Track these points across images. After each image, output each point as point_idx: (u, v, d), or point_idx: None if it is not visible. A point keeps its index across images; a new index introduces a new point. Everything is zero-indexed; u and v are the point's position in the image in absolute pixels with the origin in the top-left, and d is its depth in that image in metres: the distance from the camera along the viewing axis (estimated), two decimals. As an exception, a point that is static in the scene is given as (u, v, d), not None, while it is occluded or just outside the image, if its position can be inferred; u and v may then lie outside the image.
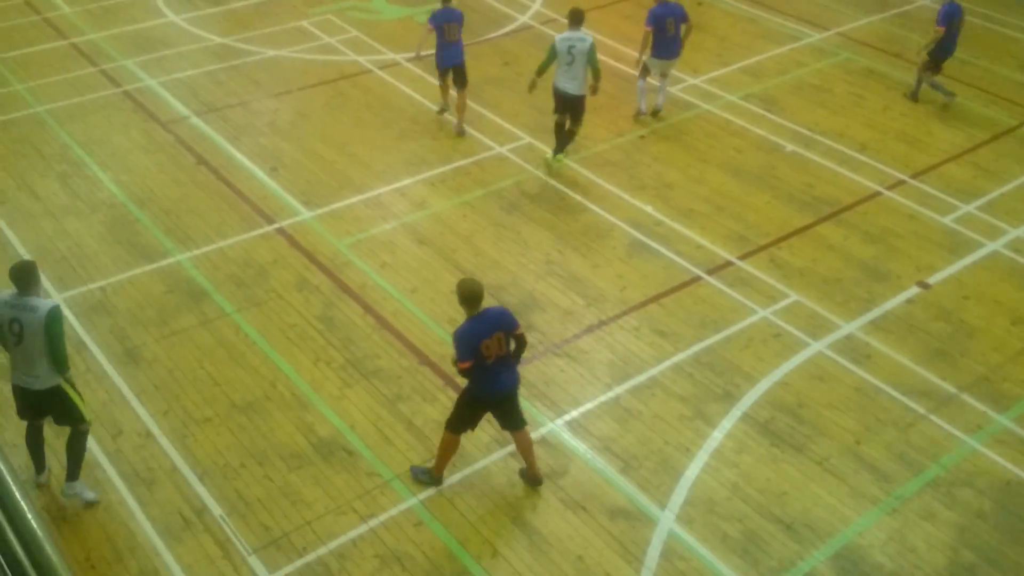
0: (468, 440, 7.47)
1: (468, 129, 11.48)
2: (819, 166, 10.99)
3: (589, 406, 7.85)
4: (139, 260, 9.35)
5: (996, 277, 9.33)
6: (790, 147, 11.34)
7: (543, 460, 7.33)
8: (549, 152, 10.90)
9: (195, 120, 11.66)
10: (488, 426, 7.61)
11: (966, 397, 7.96)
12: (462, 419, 6.96)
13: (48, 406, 6.63)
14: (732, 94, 12.42)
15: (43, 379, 6.46)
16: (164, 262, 9.35)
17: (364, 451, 7.42)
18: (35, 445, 6.89)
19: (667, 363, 8.28)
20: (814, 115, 11.96)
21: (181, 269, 9.27)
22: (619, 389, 8.01)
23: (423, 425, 7.64)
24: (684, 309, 8.88)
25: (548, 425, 7.67)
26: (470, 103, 11.67)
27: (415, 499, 7.02)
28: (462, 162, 10.96)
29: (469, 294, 6.64)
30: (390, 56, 13.19)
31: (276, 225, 9.89)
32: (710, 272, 9.33)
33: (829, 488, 7.16)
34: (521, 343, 6.81)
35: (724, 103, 12.23)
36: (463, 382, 6.88)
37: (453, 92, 11.44)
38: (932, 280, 9.28)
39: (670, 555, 6.65)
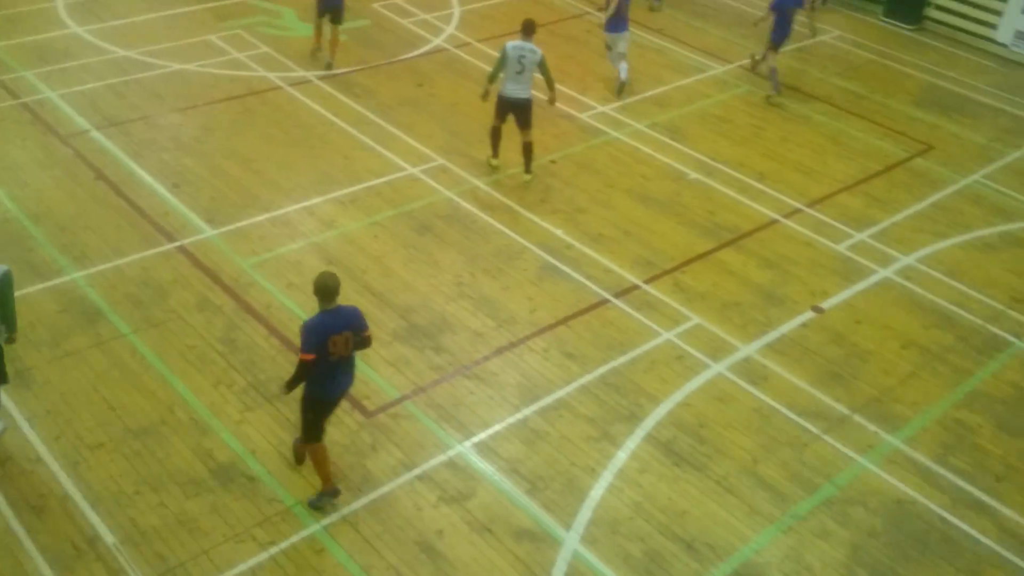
0: (373, 463, 7.42)
1: (375, 147, 11.45)
2: (721, 194, 11.31)
3: (497, 428, 7.88)
4: (32, 278, 9.00)
5: (887, 303, 9.73)
6: (693, 175, 11.64)
7: (450, 483, 7.32)
8: (486, 159, 11.37)
9: (95, 134, 11.33)
10: (396, 449, 7.58)
11: (858, 418, 8.27)
12: (315, 426, 6.90)
13: None
14: (639, 122, 12.70)
15: None
16: (58, 280, 9.04)
17: (265, 477, 7.28)
18: None
19: (575, 384, 8.37)
20: (716, 145, 12.32)
21: (76, 288, 8.97)
22: (527, 411, 8.06)
23: (327, 449, 7.53)
24: (592, 331, 9.01)
25: (456, 447, 7.66)
26: (382, 123, 11.67)
27: (318, 525, 6.92)
28: (373, 182, 10.91)
29: (323, 287, 6.63)
30: (300, 73, 13.08)
31: (177, 243, 9.67)
32: (617, 295, 9.49)
33: (728, 507, 7.34)
34: (365, 345, 6.89)
35: (632, 131, 12.49)
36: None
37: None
38: (826, 305, 9.63)
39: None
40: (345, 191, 10.71)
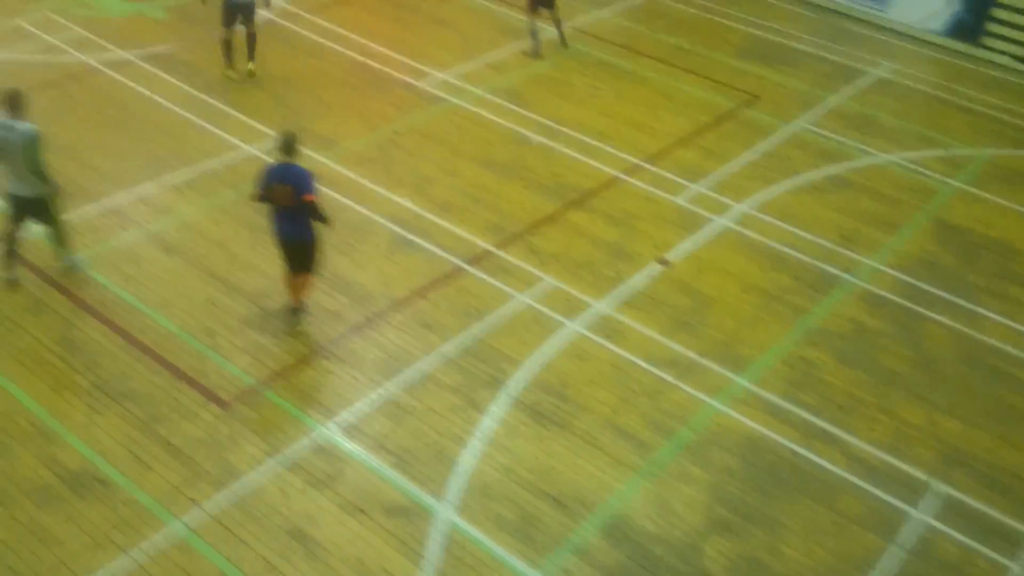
0: (234, 455, 7.22)
1: (207, 126, 11.00)
2: (563, 155, 11.48)
3: (360, 406, 7.80)
4: None
5: (726, 250, 10.16)
6: (536, 138, 11.76)
7: (317, 466, 7.21)
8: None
9: None
10: (256, 438, 7.39)
11: (707, 362, 8.63)
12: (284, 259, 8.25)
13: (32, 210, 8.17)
14: (479, 88, 12.70)
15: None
16: None
17: (119, 479, 6.96)
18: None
19: (435, 355, 8.37)
20: (556, 107, 12.47)
21: None
22: (390, 386, 8.01)
23: (183, 444, 7.27)
24: (448, 301, 9.01)
25: (319, 430, 7.54)
26: (212, 101, 11.23)
27: (179, 523, 6.69)
28: (210, 164, 10.50)
29: (281, 141, 7.94)
30: (121, 54, 12.39)
31: (1, 244, 9.03)
32: (471, 262, 9.52)
33: (594, 460, 7.54)
34: (311, 210, 7.83)
35: (472, 97, 12.49)
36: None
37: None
38: (671, 256, 9.96)
39: (450, 545, 6.75)
40: (179, 174, 10.26)
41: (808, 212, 10.89)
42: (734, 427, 8.00)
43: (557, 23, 13.80)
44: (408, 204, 10.28)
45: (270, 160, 8.65)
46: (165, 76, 11.98)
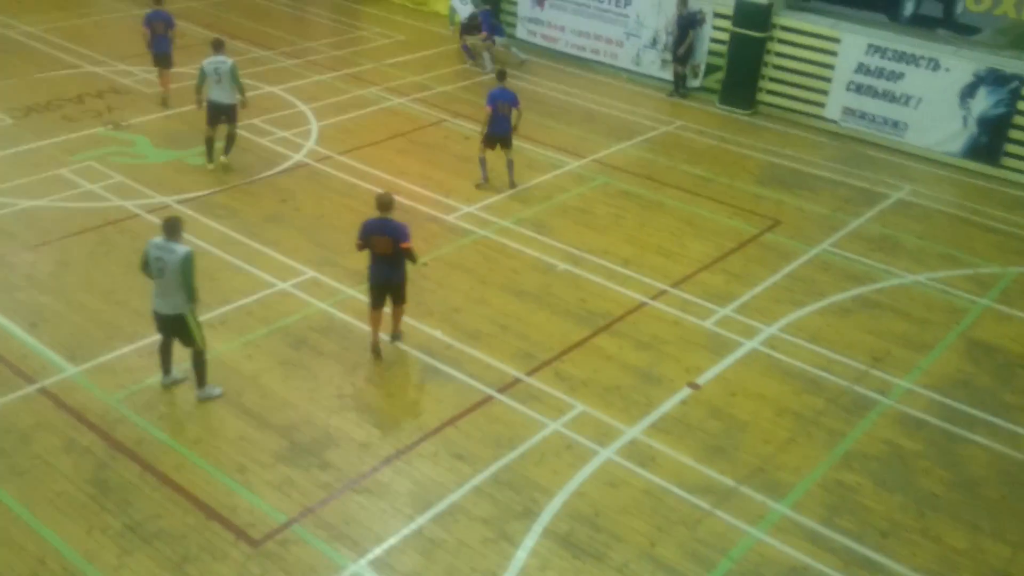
0: None
1: (243, 265, 11.30)
2: (589, 282, 11.63)
3: (392, 541, 7.69)
4: None
5: (757, 373, 10.12)
6: (562, 266, 11.95)
7: (347, 604, 7.07)
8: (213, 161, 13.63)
9: (-59, 279, 10.79)
10: None
11: (745, 489, 8.47)
12: (372, 297, 9.85)
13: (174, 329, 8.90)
14: (505, 220, 13.00)
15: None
16: (-93, 437, 8.44)
17: (151, 621, 6.86)
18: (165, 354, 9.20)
19: (467, 486, 8.29)
20: (580, 235, 12.71)
21: (-72, 443, 8.38)
22: (421, 519, 7.92)
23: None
24: (479, 430, 8.99)
25: (351, 567, 7.42)
26: (248, 241, 11.57)
27: (211, 667, 6.53)
28: (243, 301, 10.73)
29: (378, 201, 9.60)
30: (159, 199, 12.86)
31: (38, 385, 9.20)
32: (501, 390, 9.53)
33: (632, 593, 7.33)
34: (408, 255, 9.60)
35: (498, 228, 12.77)
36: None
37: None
38: (701, 380, 9.93)
39: None
40: (214, 313, 10.46)
41: (837, 334, 10.87)
42: (776, 557, 7.78)
43: (509, 164, 13.90)
44: (438, 334, 10.39)
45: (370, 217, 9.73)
46: (202, 219, 12.40)
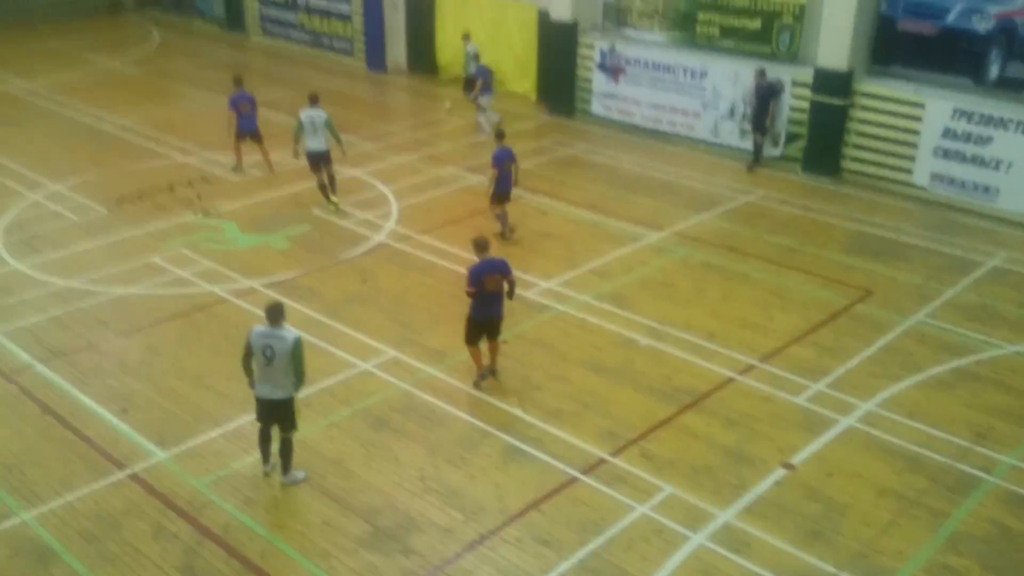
0: None
1: (325, 346, 11.39)
2: (673, 357, 11.39)
3: (477, 632, 7.48)
4: (-24, 525, 8.59)
5: (854, 451, 9.69)
6: (645, 341, 11.75)
7: None
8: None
9: (40, 368, 11.12)
10: None
11: None
12: (471, 334, 10.58)
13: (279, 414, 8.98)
14: (584, 295, 12.90)
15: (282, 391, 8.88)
16: (7, 524, 8.61)
17: None
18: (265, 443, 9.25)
19: (553, 574, 8.04)
20: (662, 309, 12.52)
21: (26, 529, 8.54)
22: (507, 609, 7.70)
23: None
24: (564, 514, 8.76)
25: (435, 659, 7.22)
26: (330, 322, 11.71)
27: None
28: (326, 383, 10.79)
29: (479, 244, 10.48)
30: (245, 283, 13.14)
31: (128, 471, 9.33)
32: (585, 472, 9.31)
33: None
34: (512, 287, 10.58)
35: (577, 304, 12.67)
36: None
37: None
38: (795, 460, 9.54)
39: None
40: (299, 395, 10.52)
41: (937, 409, 10.37)
42: (883, 649, 7.31)
43: (503, 216, 14.58)
44: (519, 413, 10.26)
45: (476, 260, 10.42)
46: (287, 300, 12.56)
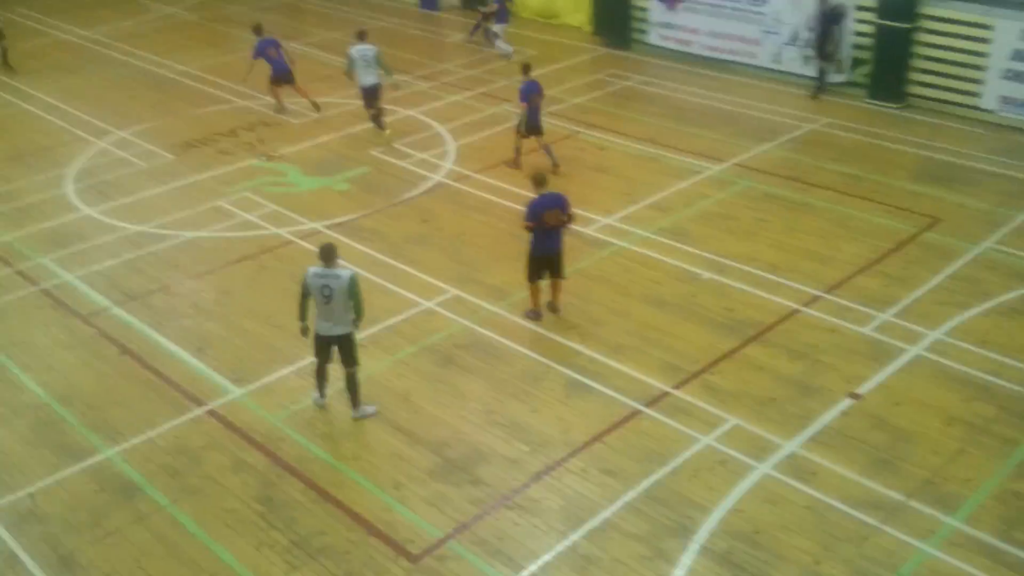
0: None
1: (389, 286, 11.58)
2: (736, 290, 11.34)
3: (547, 558, 7.69)
4: (67, 461, 9.02)
5: (922, 380, 9.61)
6: (706, 275, 11.70)
7: (506, 622, 7.10)
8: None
9: (116, 310, 11.52)
10: None
11: (914, 503, 8.04)
12: (532, 271, 10.65)
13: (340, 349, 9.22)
14: (644, 230, 12.85)
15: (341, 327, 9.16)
16: (93, 460, 9.04)
17: (319, 636, 7.08)
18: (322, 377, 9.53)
19: (619, 503, 8.21)
20: (724, 242, 12.42)
21: (111, 465, 8.96)
22: (575, 536, 7.88)
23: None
24: (628, 445, 8.89)
25: (507, 584, 7.46)
26: (393, 262, 11.91)
27: None
28: (391, 321, 10.99)
29: (537, 178, 10.56)
30: (310, 225, 13.36)
31: (206, 407, 9.69)
32: (648, 404, 9.40)
33: (797, 614, 7.07)
34: (571, 220, 10.68)
35: (637, 239, 12.64)
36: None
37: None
38: (862, 390, 9.50)
39: None
40: (365, 333, 10.72)
41: (1007, 336, 10.21)
42: (950, 573, 7.34)
43: (547, 148, 14.61)
44: (580, 347, 10.36)
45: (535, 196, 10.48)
46: (349, 242, 12.80)
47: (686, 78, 18.76)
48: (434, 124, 16.91)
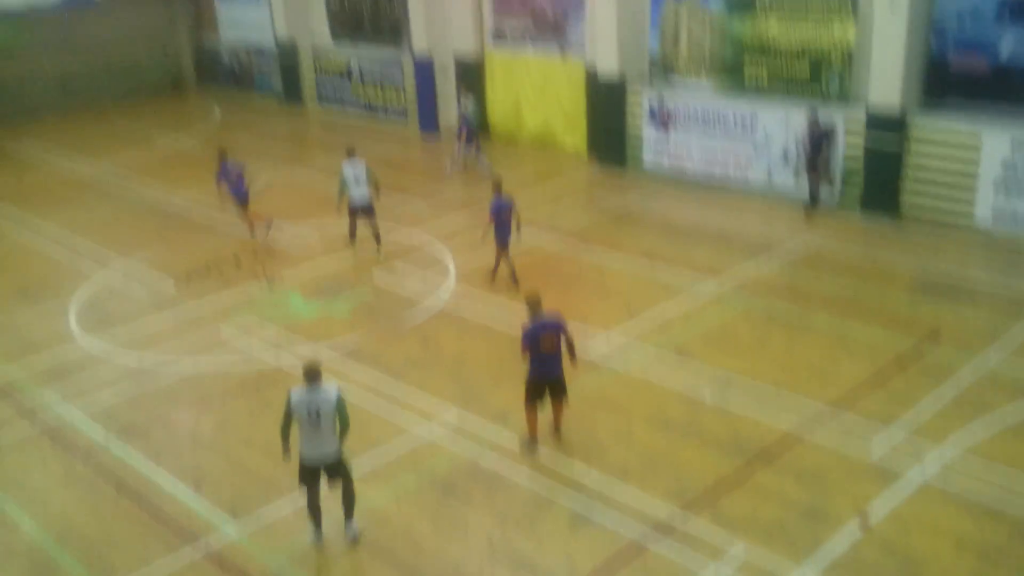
0: None
1: (393, 411, 11.50)
2: (739, 409, 11.25)
3: None
4: (58, 605, 8.79)
5: (931, 503, 9.42)
6: (710, 396, 11.63)
7: None
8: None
9: (114, 444, 11.41)
10: None
11: (931, 634, 7.79)
12: (530, 396, 10.49)
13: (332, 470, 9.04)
14: (644, 348, 12.85)
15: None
16: (85, 603, 8.81)
17: None
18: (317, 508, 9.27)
19: (627, 641, 7.95)
20: (725, 360, 12.40)
21: (104, 609, 8.72)
22: None
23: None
24: (635, 577, 8.66)
25: None
26: (394, 384, 11.82)
27: None
28: (390, 448, 10.88)
29: (532, 301, 10.45)
30: (310, 350, 13.34)
31: (204, 548, 9.47)
32: (655, 532, 9.21)
33: None
34: (572, 345, 10.49)
35: (638, 356, 12.62)
36: None
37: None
38: (870, 513, 9.31)
39: None
40: (363, 462, 10.64)
41: (1014, 454, 10.06)
42: None
43: (507, 261, 15.12)
44: (584, 472, 10.21)
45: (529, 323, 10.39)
46: (350, 365, 12.79)
47: (681, 196, 19.10)
48: (434, 243, 17.13)
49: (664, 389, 11.85)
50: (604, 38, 20.64)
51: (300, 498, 10.09)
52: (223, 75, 32.02)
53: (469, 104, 21.80)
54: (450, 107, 24.71)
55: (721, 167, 19.46)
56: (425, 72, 24.67)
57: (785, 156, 18.37)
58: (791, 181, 18.37)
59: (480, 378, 12.36)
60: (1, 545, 9.74)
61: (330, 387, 8.94)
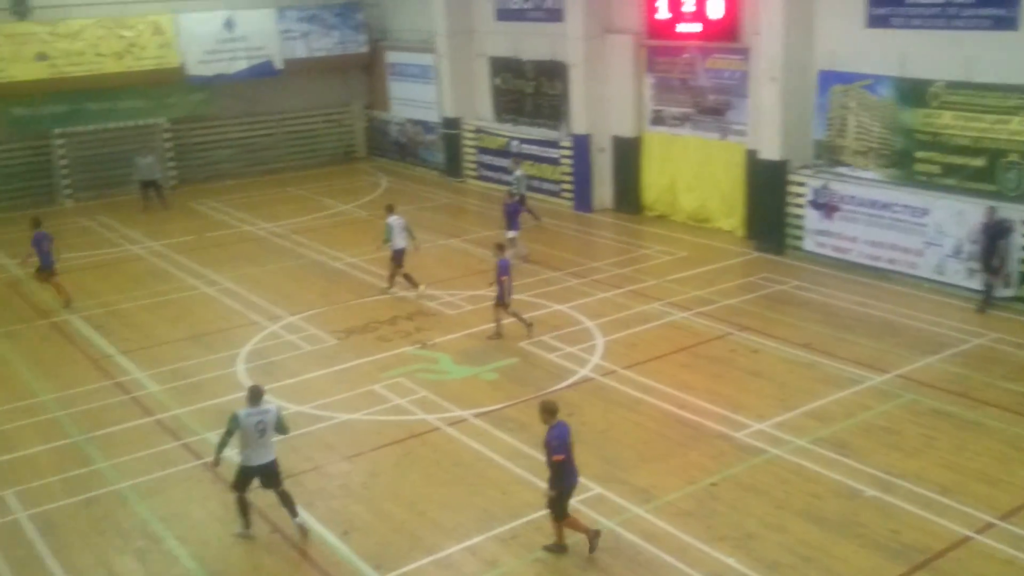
0: None
1: (535, 480, 11.46)
2: (902, 511, 10.62)
3: None
4: (208, 637, 9.08)
5: (1121, 628, 8.58)
6: (870, 492, 11.04)
7: None
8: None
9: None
10: None
11: None
12: (565, 506, 9.96)
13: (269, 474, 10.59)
14: (801, 439, 12.36)
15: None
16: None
17: None
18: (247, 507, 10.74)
19: None
20: (888, 458, 11.77)
21: (249, 645, 8.94)
22: None
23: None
24: (782, 676, 8.20)
25: None
26: (538, 456, 11.83)
27: None
28: (533, 515, 10.80)
29: (551, 407, 10.04)
30: (458, 413, 13.56)
31: (347, 595, 9.65)
32: (805, 632, 8.73)
33: None
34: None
35: (794, 448, 12.15)
36: None
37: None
38: (1051, 634, 8.55)
39: None
40: (505, 527, 10.61)
41: None
42: None
43: (516, 315, 16.35)
44: (732, 562, 9.82)
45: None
46: (496, 432, 12.87)
47: (843, 285, 18.48)
48: (583, 319, 17.17)
49: (820, 482, 11.33)
50: (768, 123, 20.48)
51: (443, 555, 10.16)
52: (391, 147, 33.53)
53: (516, 170, 23.48)
54: (605, 183, 24.99)
55: (888, 257, 18.75)
56: (582, 152, 25.10)
57: (958, 251, 17.54)
58: (964, 276, 17.48)
59: (624, 453, 12.16)
60: (162, 573, 10.17)
61: (271, 405, 10.70)
